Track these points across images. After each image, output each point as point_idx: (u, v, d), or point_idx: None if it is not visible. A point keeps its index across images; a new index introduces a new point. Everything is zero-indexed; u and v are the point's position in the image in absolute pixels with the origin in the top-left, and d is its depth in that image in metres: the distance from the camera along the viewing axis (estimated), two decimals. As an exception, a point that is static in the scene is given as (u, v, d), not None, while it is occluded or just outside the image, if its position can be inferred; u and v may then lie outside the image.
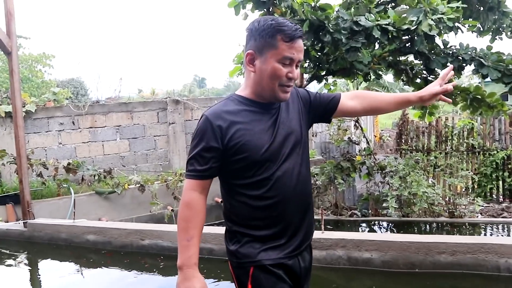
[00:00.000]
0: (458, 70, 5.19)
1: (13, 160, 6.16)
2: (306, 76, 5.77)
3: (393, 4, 5.26)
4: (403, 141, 8.20)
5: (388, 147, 11.30)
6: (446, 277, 3.23)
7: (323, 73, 5.41)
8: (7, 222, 6.01)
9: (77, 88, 20.70)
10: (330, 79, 6.18)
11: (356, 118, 6.49)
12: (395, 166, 6.06)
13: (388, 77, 13.50)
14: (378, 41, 4.68)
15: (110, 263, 4.53)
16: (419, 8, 4.22)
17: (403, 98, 1.82)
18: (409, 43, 4.75)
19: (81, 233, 4.95)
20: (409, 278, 3.32)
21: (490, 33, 5.78)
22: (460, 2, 4.60)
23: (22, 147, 5.39)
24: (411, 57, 5.48)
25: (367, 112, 1.89)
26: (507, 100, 15.67)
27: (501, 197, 7.64)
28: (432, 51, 5.05)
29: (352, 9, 4.77)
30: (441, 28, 4.30)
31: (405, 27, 4.37)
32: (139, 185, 6.56)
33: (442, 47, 5.09)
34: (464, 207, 5.99)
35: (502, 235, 5.65)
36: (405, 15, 4.37)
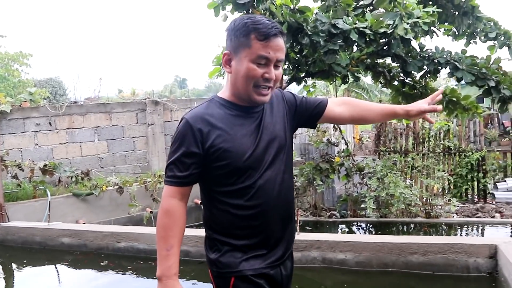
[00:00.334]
0: (434, 73, 5.30)
1: (-14, 161, 6.01)
2: (285, 78, 5.80)
3: (371, 7, 5.33)
4: (381, 143, 8.31)
5: (367, 149, 11.43)
6: (419, 276, 3.29)
7: (302, 75, 5.45)
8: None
9: (55, 88, 20.37)
10: (310, 81, 6.22)
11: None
12: (373, 168, 6.13)
13: (368, 79, 13.66)
14: (356, 44, 4.74)
15: (84, 266, 4.46)
16: (395, 12, 4.29)
17: (390, 110, 1.78)
18: (386, 46, 4.82)
19: (56, 236, 4.86)
20: (382, 278, 3.37)
21: (465, 37, 5.92)
22: (435, 7, 4.71)
23: (-4, 148, 5.27)
24: (388, 60, 5.57)
25: (354, 121, 1.83)
26: (483, 103, 16.01)
27: (476, 197, 7.81)
28: (409, 54, 5.14)
29: (331, 12, 4.82)
30: (417, 31, 4.38)
31: (382, 30, 4.44)
32: (118, 186, 6.48)
33: (418, 50, 5.19)
34: (440, 207, 6.11)
35: (477, 235, 5.78)
36: (382, 18, 4.44)
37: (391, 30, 4.36)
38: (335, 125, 6.75)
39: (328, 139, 6.65)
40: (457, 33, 5.87)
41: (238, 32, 1.48)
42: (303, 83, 5.86)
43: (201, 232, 4.00)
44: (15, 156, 7.18)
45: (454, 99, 5.56)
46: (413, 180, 6.96)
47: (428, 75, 5.39)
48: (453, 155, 7.90)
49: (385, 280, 3.35)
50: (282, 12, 4.35)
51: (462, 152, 7.82)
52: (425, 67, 5.19)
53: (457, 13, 5.68)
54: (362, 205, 5.98)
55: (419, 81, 5.63)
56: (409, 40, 4.48)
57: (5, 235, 5.15)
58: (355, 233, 6.03)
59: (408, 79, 5.65)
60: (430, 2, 5.45)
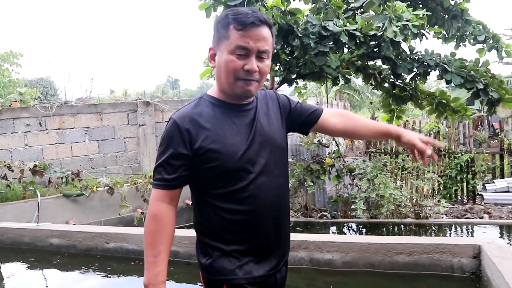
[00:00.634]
0: (424, 75, 5.36)
1: (-25, 162, 5.96)
2: (276, 79, 5.83)
3: (361, 10, 5.37)
4: (372, 144, 8.36)
5: (358, 150, 11.49)
6: (404, 277, 3.31)
7: (293, 76, 5.48)
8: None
9: (46, 88, 20.22)
10: (300, 82, 6.25)
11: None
12: (363, 169, 6.17)
13: (359, 80, 13.73)
14: (346, 46, 4.77)
15: (73, 267, 4.43)
16: (384, 15, 4.32)
17: (384, 129, 1.74)
18: (376, 48, 4.86)
19: (45, 236, 4.83)
20: (368, 278, 3.40)
21: (455, 40, 5.98)
22: (425, 10, 4.75)
23: (-16, 149, 5.22)
24: (379, 62, 5.61)
25: (346, 134, 1.79)
26: (473, 105, 16.13)
27: (465, 198, 7.89)
28: (399, 57, 5.19)
29: (321, 14, 4.86)
30: (407, 34, 4.42)
31: (372, 32, 4.47)
32: (108, 187, 6.45)
33: (408, 52, 5.24)
34: (429, 208, 6.17)
35: (466, 236, 5.84)
36: (371, 21, 4.47)
37: (381, 33, 4.39)
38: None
39: (319, 141, 6.68)
40: (446, 36, 5.94)
41: (219, 24, 1.43)
42: (294, 84, 5.89)
43: (191, 232, 4.01)
44: (5, 156, 7.13)
45: (444, 101, 5.63)
46: (403, 181, 7.01)
47: (418, 77, 5.45)
48: (443, 156, 7.97)
49: (371, 280, 3.37)
50: (273, 14, 4.37)
51: (452, 154, 7.90)
52: (415, 69, 5.25)
53: (446, 16, 5.75)
54: (353, 206, 6.02)
55: (409, 83, 5.68)
56: (399, 43, 4.52)
57: (-6, 236, 5.10)
58: (345, 234, 6.06)
59: (398, 81, 5.71)
60: (420, 5, 5.51)
